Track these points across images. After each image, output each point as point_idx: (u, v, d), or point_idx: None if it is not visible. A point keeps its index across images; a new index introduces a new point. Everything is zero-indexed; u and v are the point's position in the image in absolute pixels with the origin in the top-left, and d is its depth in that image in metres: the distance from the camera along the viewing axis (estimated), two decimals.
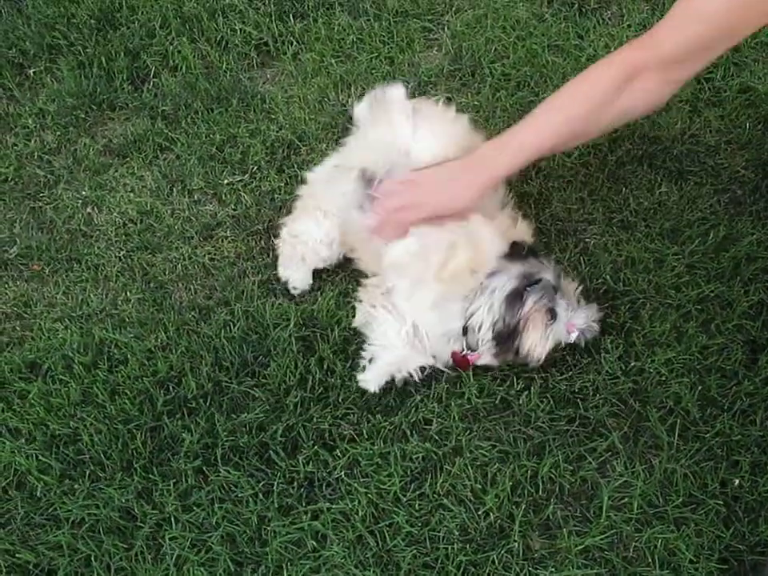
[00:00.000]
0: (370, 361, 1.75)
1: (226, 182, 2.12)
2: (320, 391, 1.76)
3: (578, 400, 1.74)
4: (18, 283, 2.01)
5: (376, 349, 1.75)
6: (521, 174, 2.05)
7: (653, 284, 1.87)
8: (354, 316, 1.85)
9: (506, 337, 1.66)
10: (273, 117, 2.26)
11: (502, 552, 1.55)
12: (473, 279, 1.68)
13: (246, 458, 1.69)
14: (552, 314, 1.63)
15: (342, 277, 1.95)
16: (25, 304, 1.98)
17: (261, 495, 1.64)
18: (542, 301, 1.63)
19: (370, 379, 1.73)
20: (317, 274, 1.95)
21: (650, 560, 1.53)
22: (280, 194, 2.07)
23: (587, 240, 1.97)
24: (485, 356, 1.73)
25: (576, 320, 1.68)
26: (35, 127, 2.32)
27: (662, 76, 1.58)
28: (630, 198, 2.02)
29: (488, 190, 1.68)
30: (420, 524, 1.59)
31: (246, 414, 1.73)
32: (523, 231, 1.77)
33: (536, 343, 1.64)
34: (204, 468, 1.68)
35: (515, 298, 1.64)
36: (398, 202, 1.70)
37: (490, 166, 1.66)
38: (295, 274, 1.90)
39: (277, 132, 2.21)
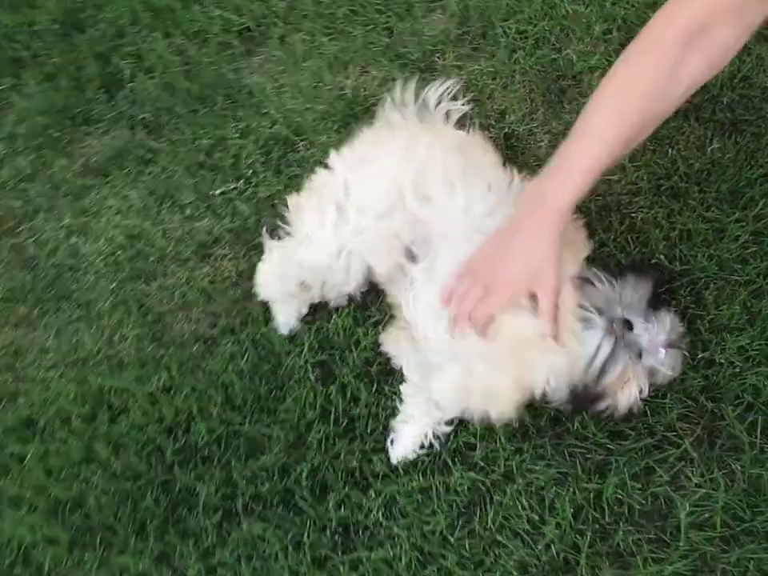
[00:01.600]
0: (392, 441, 1.62)
1: (219, 191, 1.99)
2: (345, 423, 1.65)
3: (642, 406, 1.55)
4: (6, 330, 1.91)
5: (398, 424, 1.62)
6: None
7: (714, 259, 1.70)
8: (374, 334, 1.71)
9: (586, 401, 1.47)
10: (264, 111, 2.11)
11: None
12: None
13: (271, 507, 1.60)
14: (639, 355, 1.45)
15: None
16: (15, 353, 1.89)
17: (291, 548, 1.54)
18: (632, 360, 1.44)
19: (401, 455, 1.60)
20: None
21: None
22: (280, 199, 1.91)
23: (633, 215, 1.78)
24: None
25: (659, 338, 1.47)
26: (6, 154, 2.21)
27: (739, 21, 1.26)
28: (679, 160, 1.83)
29: (560, 229, 1.34)
30: (473, 566, 1.48)
31: (264, 457, 1.64)
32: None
33: (631, 401, 1.46)
34: (225, 523, 1.59)
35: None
36: (468, 303, 1.41)
37: (551, 203, 1.33)
38: (280, 306, 1.76)
39: (270, 128, 2.06)
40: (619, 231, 1.76)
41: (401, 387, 1.62)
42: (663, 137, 1.84)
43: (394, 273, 1.57)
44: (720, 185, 1.78)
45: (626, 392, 1.45)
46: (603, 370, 1.41)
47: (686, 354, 1.52)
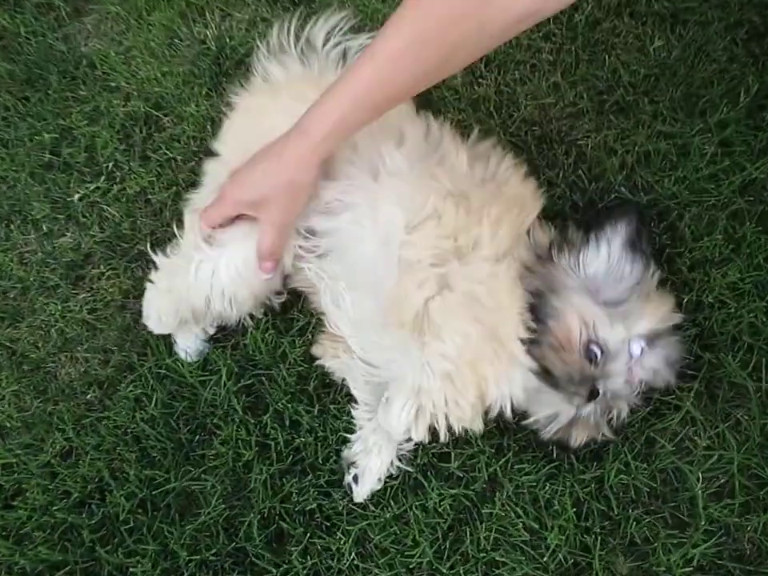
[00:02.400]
0: (354, 478, 1.38)
1: (77, 196, 1.65)
2: (290, 457, 1.41)
3: None
4: None
5: (359, 458, 1.38)
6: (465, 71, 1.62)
7: (683, 182, 1.51)
8: (303, 344, 1.46)
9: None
10: (112, 86, 1.76)
11: None
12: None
13: (224, 574, 1.36)
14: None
15: None
16: None
17: None
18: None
19: (367, 492, 1.38)
20: None
21: None
22: (155, 193, 1.61)
23: (579, 142, 1.57)
24: None
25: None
26: None
27: None
28: (619, 68, 1.62)
29: (304, 159, 1.17)
30: None
31: (202, 515, 1.39)
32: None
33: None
34: None
35: None
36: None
37: (303, 128, 1.16)
38: (180, 332, 1.48)
39: (124, 107, 1.72)
40: (566, 165, 1.56)
41: (354, 412, 1.38)
42: (596, 42, 1.63)
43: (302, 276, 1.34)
44: (672, 91, 1.59)
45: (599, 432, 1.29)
46: (560, 432, 1.28)
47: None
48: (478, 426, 1.28)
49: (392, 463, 1.36)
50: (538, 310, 1.22)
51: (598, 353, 1.20)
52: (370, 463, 1.35)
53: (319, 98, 1.14)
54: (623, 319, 1.22)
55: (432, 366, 1.21)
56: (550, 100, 1.61)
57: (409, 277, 1.22)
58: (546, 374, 1.22)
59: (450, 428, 1.26)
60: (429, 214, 1.22)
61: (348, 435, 1.39)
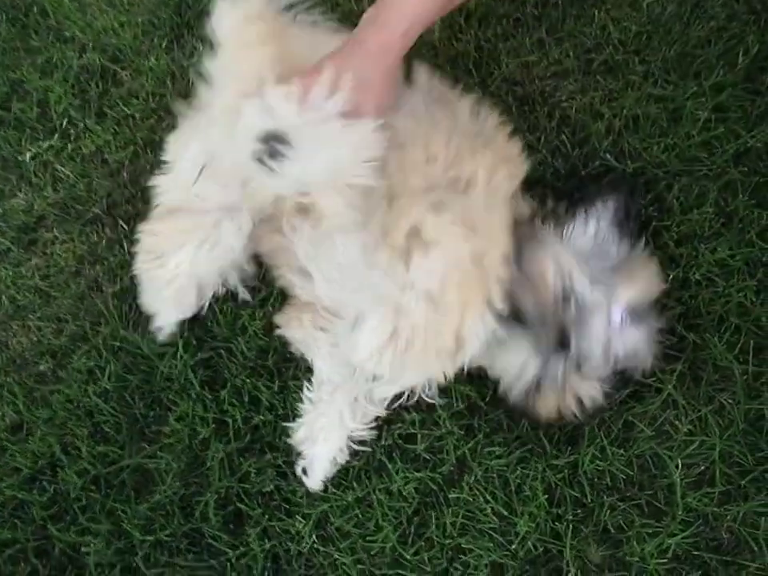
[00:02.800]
0: (304, 471, 1.33)
1: (29, 155, 1.58)
2: (248, 436, 1.36)
3: None
4: None
5: (305, 448, 1.33)
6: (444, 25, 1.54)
7: (673, 149, 1.44)
8: (264, 315, 1.39)
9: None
10: (66, 36, 1.68)
11: None
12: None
13: (179, 554, 1.32)
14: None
15: None
16: None
17: None
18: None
19: (319, 482, 1.32)
20: None
21: (753, 545, 1.24)
22: (112, 152, 1.53)
23: (564, 104, 1.49)
24: None
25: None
26: None
27: None
28: (609, 24, 1.54)
29: (390, 53, 1.14)
30: None
31: (157, 494, 1.34)
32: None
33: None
34: None
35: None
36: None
37: (382, 24, 1.14)
38: (163, 307, 1.39)
39: (79, 59, 1.64)
40: (549, 129, 1.49)
41: (305, 395, 1.32)
42: None
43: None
44: (665, 50, 1.51)
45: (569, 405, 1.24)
46: (529, 393, 1.22)
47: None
48: (449, 372, 1.21)
49: (342, 450, 1.31)
50: (518, 256, 1.16)
51: (572, 302, 1.16)
52: (317, 451, 1.30)
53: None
54: (605, 288, 1.17)
55: (416, 286, 1.12)
56: (534, 58, 1.53)
57: (404, 200, 1.15)
58: (517, 316, 1.16)
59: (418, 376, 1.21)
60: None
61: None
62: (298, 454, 1.32)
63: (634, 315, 1.19)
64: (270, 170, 1.05)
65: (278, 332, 1.36)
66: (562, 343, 1.15)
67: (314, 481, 1.31)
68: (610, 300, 1.17)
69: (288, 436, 1.34)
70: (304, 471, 1.31)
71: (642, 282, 1.21)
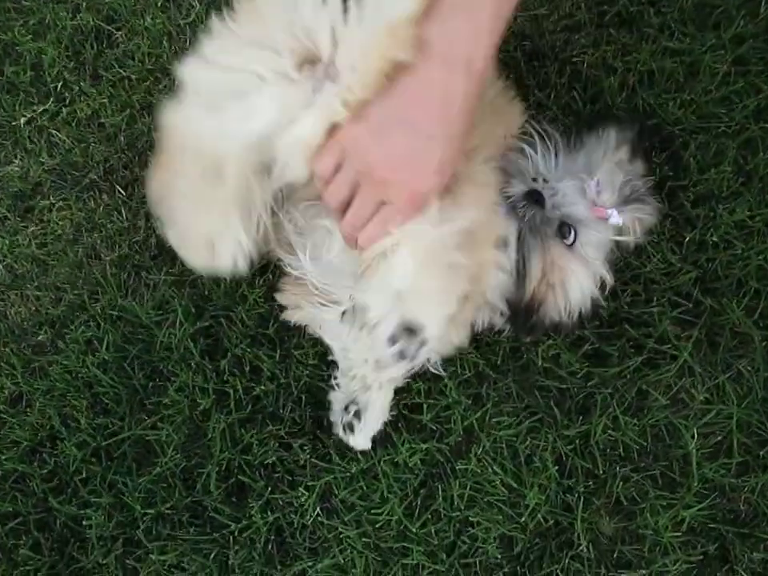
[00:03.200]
0: (356, 414, 1.25)
1: (23, 119, 1.53)
2: (249, 406, 1.34)
3: (623, 318, 1.31)
4: None
5: (356, 392, 1.25)
6: None
7: (690, 105, 1.38)
8: (264, 283, 1.37)
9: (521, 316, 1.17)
10: None
11: (566, 560, 1.24)
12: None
13: (181, 528, 1.31)
14: (568, 229, 1.12)
15: None
16: None
17: (217, 573, 1.28)
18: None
19: (369, 438, 1.28)
20: None
21: None
22: (108, 116, 1.50)
23: (575, 59, 1.43)
24: None
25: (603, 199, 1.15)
26: None
27: None
28: None
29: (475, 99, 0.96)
30: (445, 554, 1.26)
31: (158, 466, 1.33)
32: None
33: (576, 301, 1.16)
34: (128, 557, 1.30)
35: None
36: (359, 219, 1.03)
37: (459, 56, 0.92)
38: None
39: (72, 20, 1.57)
40: (560, 85, 1.43)
41: (335, 347, 1.28)
42: None
43: None
44: (681, 0, 1.43)
45: (564, 290, 1.15)
46: (519, 269, 1.13)
47: (656, 202, 1.23)
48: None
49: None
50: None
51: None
52: (372, 397, 1.23)
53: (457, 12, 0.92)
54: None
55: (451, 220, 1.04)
56: (544, 11, 1.47)
57: None
58: None
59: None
60: None
61: (321, 382, 1.31)
62: (349, 403, 1.24)
63: (626, 203, 1.15)
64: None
65: (283, 317, 1.33)
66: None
67: (366, 431, 1.25)
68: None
69: (290, 408, 1.31)
70: (349, 427, 1.25)
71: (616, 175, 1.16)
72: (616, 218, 1.12)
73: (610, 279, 1.17)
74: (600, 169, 1.15)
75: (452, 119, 0.94)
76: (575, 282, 1.13)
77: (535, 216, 1.10)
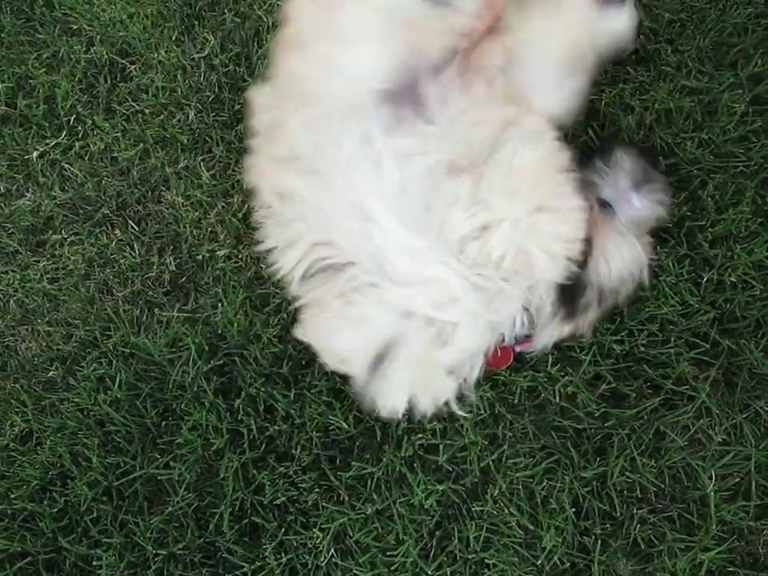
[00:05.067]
0: None
1: (36, 153, 1.61)
2: (263, 445, 1.39)
3: (640, 358, 1.37)
4: None
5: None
6: None
7: (708, 145, 1.44)
8: (279, 322, 1.43)
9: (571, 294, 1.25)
10: (73, 29, 1.70)
11: None
12: None
13: (193, 568, 1.37)
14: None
15: (244, 260, 1.49)
16: None
17: None
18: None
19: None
20: (203, 262, 1.51)
21: None
22: (121, 150, 1.56)
23: (592, 97, 1.48)
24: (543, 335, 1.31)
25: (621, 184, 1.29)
26: None
27: None
28: (641, 11, 1.52)
29: None
30: None
31: (170, 505, 1.38)
32: None
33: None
34: None
35: None
36: None
37: None
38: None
39: (86, 53, 1.66)
40: (577, 123, 1.47)
41: None
42: None
43: None
44: (699, 39, 1.51)
45: (605, 258, 1.25)
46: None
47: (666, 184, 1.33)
48: None
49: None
50: None
51: None
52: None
53: None
54: None
55: None
56: None
57: None
58: None
59: None
60: None
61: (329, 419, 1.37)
62: None
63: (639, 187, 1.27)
64: None
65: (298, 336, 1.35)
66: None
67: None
68: None
69: (302, 446, 1.37)
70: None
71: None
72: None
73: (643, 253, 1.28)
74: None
75: None
76: (615, 249, 1.23)
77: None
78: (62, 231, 1.56)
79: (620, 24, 1.27)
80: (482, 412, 1.35)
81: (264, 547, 1.33)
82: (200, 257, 1.48)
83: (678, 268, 1.36)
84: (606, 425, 1.33)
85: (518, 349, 1.28)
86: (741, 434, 1.32)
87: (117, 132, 1.59)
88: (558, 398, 1.35)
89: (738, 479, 1.30)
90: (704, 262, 1.38)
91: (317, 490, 1.35)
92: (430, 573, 1.29)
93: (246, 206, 1.48)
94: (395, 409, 1.21)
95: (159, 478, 1.39)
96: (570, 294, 1.23)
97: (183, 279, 1.49)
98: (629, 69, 1.48)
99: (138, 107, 1.60)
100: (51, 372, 1.49)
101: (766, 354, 1.33)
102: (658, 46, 1.49)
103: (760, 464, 1.30)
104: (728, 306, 1.36)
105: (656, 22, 1.50)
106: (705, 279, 1.36)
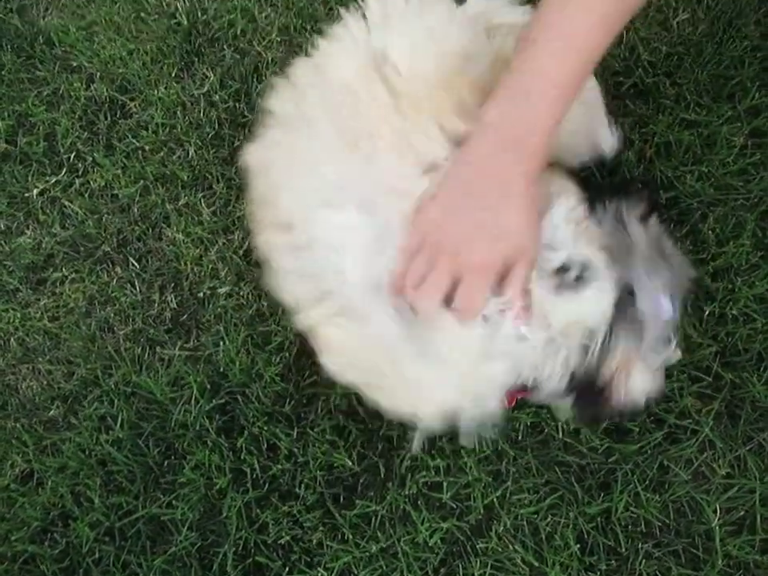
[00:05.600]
0: None
1: (36, 190, 1.63)
2: (267, 484, 1.41)
3: None
4: None
5: None
6: None
7: (707, 178, 1.46)
8: (280, 361, 1.44)
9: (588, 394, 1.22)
10: (73, 66, 1.72)
11: None
12: None
13: None
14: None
15: (245, 297, 1.50)
16: None
17: None
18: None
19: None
20: (204, 299, 1.53)
21: None
22: (121, 187, 1.58)
23: None
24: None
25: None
26: None
27: None
28: (639, 45, 1.56)
29: (537, 177, 1.07)
30: None
31: (173, 545, 1.39)
32: None
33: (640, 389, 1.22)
34: None
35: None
36: (435, 292, 1.11)
37: (524, 143, 1.05)
38: None
39: (86, 90, 1.68)
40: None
41: None
42: None
43: None
44: (697, 72, 1.52)
45: (632, 382, 1.20)
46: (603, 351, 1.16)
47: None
48: None
49: None
50: None
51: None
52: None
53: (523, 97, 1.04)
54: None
55: None
56: None
57: None
58: None
59: None
60: None
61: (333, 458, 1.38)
62: None
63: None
64: None
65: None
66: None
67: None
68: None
69: (306, 484, 1.38)
70: None
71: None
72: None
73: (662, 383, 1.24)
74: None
75: (510, 198, 1.05)
76: (638, 374, 1.21)
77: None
78: (63, 269, 1.58)
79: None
80: (485, 449, 1.36)
81: None
82: (201, 294, 1.50)
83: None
84: (609, 460, 1.34)
85: (519, 396, 1.30)
86: (744, 466, 1.33)
87: (117, 169, 1.61)
88: (561, 433, 1.36)
89: (742, 512, 1.31)
90: (705, 295, 1.39)
91: (321, 528, 1.36)
92: None
93: (247, 243, 1.50)
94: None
95: (162, 517, 1.40)
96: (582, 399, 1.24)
97: (184, 317, 1.51)
98: (627, 102, 1.50)
99: (138, 144, 1.62)
100: (52, 411, 1.50)
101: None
102: (656, 79, 1.51)
103: (765, 497, 1.31)
104: (730, 339, 1.37)
105: (654, 56, 1.52)
106: (707, 312, 1.38)
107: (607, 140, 1.25)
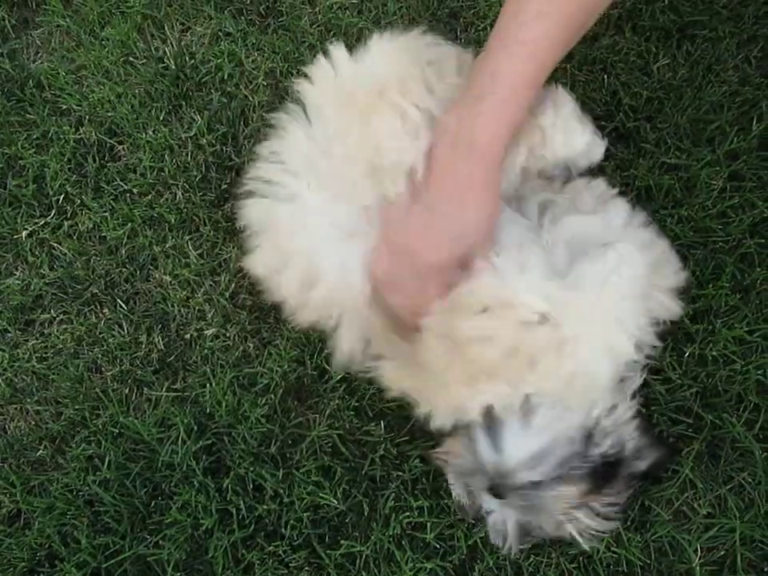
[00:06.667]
0: None
1: (25, 232, 1.70)
2: (253, 524, 1.47)
3: None
4: None
5: None
6: None
7: (687, 221, 1.54)
8: (265, 403, 1.52)
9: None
10: (62, 109, 1.81)
11: None
12: None
13: None
14: None
15: (232, 339, 1.59)
16: None
17: None
18: None
19: None
20: (191, 341, 1.60)
21: None
22: (109, 229, 1.65)
23: None
24: None
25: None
26: None
27: None
28: (620, 90, 1.64)
29: (497, 180, 1.19)
30: None
31: None
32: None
33: None
34: None
35: None
36: (399, 298, 1.25)
37: (483, 146, 1.14)
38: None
39: (75, 133, 1.76)
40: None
41: None
42: (594, 60, 1.64)
43: None
44: (677, 116, 1.60)
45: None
46: None
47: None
48: None
49: None
50: None
51: None
52: None
53: (482, 103, 1.13)
54: None
55: None
56: None
57: None
58: None
59: None
60: None
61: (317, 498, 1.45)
62: None
63: None
64: None
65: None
66: None
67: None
68: None
69: (291, 525, 1.44)
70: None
71: None
72: None
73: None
74: None
75: (463, 197, 1.17)
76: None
77: None
78: (51, 310, 1.65)
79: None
80: None
81: None
82: (188, 336, 1.58)
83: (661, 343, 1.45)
84: None
85: None
86: (725, 506, 1.39)
87: (105, 211, 1.69)
88: None
89: (723, 552, 1.37)
90: (686, 336, 1.46)
91: (306, 568, 1.42)
92: None
93: (233, 285, 1.59)
94: None
95: (149, 558, 1.46)
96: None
97: (171, 358, 1.58)
98: (609, 146, 1.56)
99: (126, 187, 1.70)
100: (40, 451, 1.56)
101: (748, 427, 1.41)
102: (637, 124, 1.59)
103: (745, 536, 1.36)
104: (710, 380, 1.43)
105: (635, 100, 1.60)
106: (687, 354, 1.44)
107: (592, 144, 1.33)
